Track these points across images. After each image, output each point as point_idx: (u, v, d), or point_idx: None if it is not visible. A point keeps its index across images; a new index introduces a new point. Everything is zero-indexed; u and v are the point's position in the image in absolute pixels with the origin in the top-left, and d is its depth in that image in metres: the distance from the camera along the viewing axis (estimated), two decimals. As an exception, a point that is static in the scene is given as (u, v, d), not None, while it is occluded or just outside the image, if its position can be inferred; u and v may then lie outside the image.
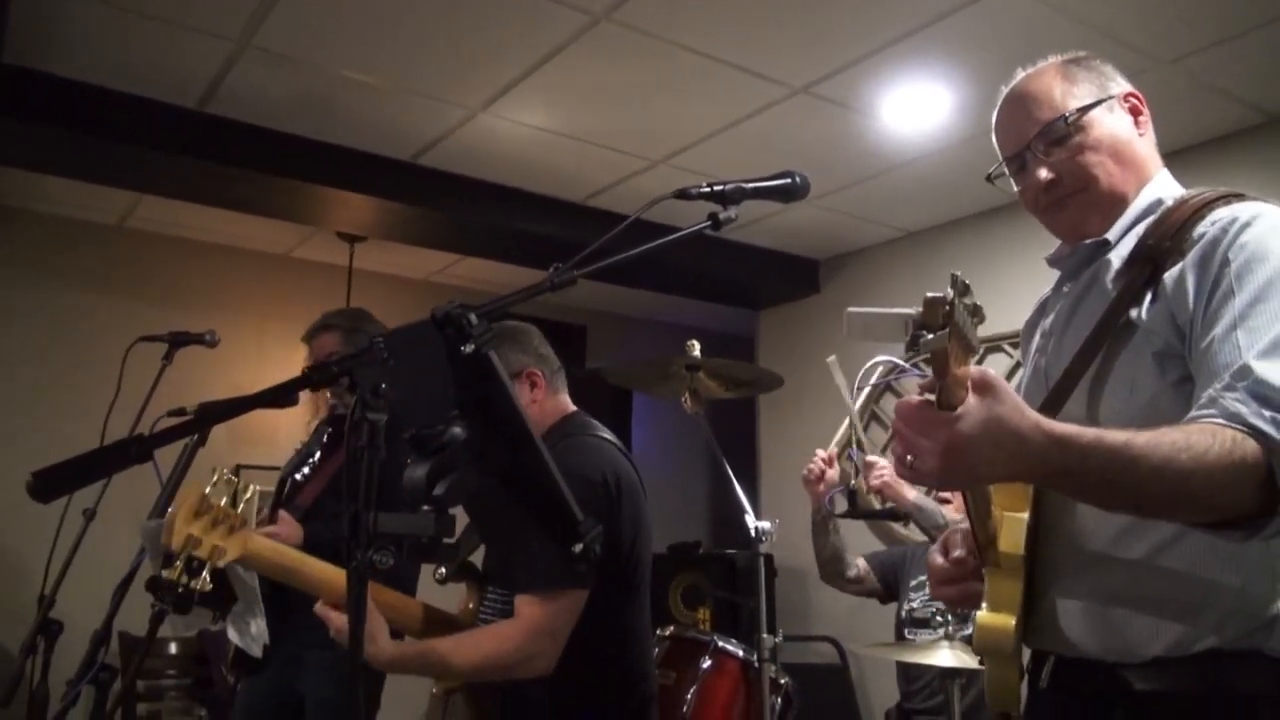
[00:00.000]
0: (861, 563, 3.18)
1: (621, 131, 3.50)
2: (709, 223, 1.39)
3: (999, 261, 4.13)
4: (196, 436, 2.30)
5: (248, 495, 1.53)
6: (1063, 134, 1.34)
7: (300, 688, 2.53)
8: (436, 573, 1.87)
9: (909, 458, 1.00)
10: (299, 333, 3.09)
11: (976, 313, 0.98)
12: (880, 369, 4.17)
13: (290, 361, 4.41)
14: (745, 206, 1.44)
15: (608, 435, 1.98)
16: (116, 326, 3.97)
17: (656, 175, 3.81)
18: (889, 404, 4.53)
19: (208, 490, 1.49)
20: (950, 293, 0.91)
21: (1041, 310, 1.46)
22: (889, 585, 3.14)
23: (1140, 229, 1.29)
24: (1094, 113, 1.35)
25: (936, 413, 0.97)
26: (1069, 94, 1.36)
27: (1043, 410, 1.16)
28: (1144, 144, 1.38)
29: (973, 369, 0.99)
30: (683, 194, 1.40)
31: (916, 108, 3.28)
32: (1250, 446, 1.02)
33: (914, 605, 2.98)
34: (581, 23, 2.79)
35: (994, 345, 4.08)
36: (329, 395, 2.99)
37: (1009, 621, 1.24)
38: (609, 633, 1.84)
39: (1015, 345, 3.99)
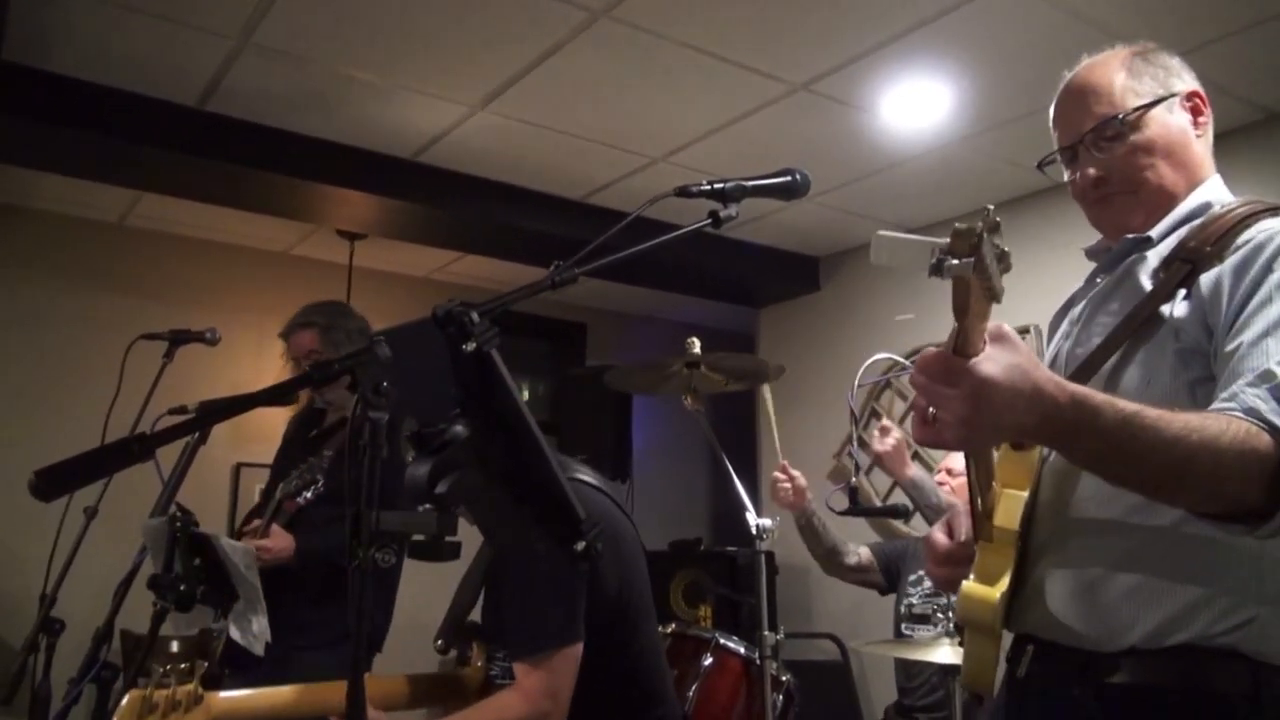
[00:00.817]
0: (864, 551, 3.17)
1: (621, 129, 3.50)
2: (709, 220, 1.39)
3: (999, 258, 4.12)
4: (197, 435, 2.30)
5: (200, 672, 1.51)
6: (1117, 131, 1.32)
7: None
8: (436, 643, 1.86)
9: (931, 411, 0.99)
10: (300, 330, 3.11)
11: (1004, 259, 0.96)
12: (881, 366, 4.18)
13: (291, 359, 4.41)
14: (745, 204, 1.44)
15: (582, 474, 1.95)
16: (117, 325, 3.97)
17: (657, 172, 3.81)
18: (888, 401, 4.53)
19: (149, 690, 1.45)
20: (980, 225, 0.90)
21: (1071, 301, 1.46)
22: (890, 576, 3.14)
23: (1184, 230, 1.29)
24: (1152, 112, 1.33)
25: (957, 359, 0.95)
26: (1129, 90, 1.34)
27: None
28: (1200, 145, 1.37)
29: (990, 323, 0.98)
30: (683, 192, 1.41)
31: (916, 105, 3.28)
32: (1264, 441, 1.02)
33: (913, 601, 2.98)
34: (581, 19, 2.79)
35: (994, 342, 4.07)
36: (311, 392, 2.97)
37: (993, 594, 1.25)
38: (620, 674, 1.84)
39: (1015, 342, 3.99)
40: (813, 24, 2.81)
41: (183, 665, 1.50)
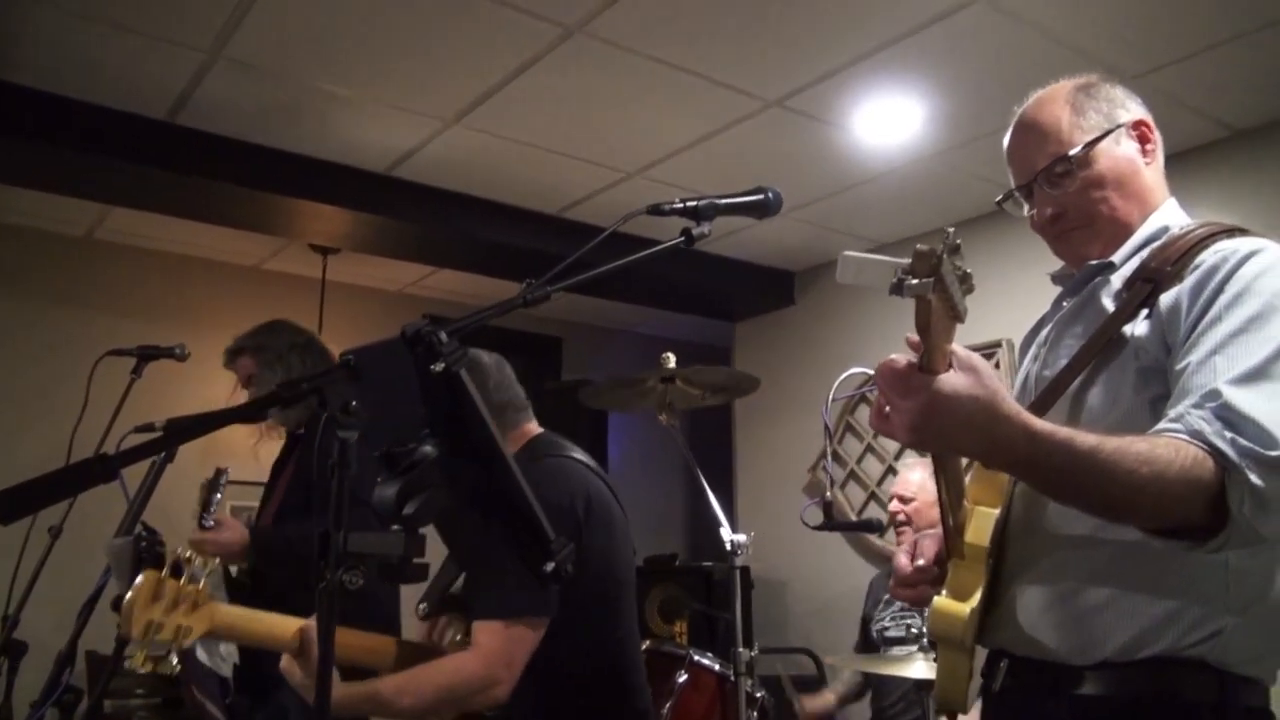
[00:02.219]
0: (839, 688, 3.27)
1: (596, 144, 3.50)
2: (682, 239, 1.40)
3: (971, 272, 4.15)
4: (165, 454, 2.27)
5: (209, 570, 1.50)
6: (1068, 169, 1.36)
7: (283, 698, 2.50)
8: (418, 608, 1.84)
9: (887, 408, 1.05)
10: (272, 346, 3.08)
11: (966, 280, 1.01)
12: (855, 380, 4.20)
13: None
14: (720, 219, 1.44)
15: (577, 454, 1.95)
16: (84, 340, 3.91)
17: (632, 187, 3.82)
18: (863, 415, 4.55)
19: (164, 573, 1.45)
20: (940, 246, 0.94)
21: (1039, 324, 1.50)
22: (864, 687, 3.19)
23: (1145, 253, 1.33)
24: (1100, 146, 1.37)
25: (919, 374, 1.01)
26: (1076, 126, 1.38)
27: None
28: (1151, 172, 1.41)
29: (960, 351, 1.05)
30: (656, 210, 1.41)
31: (889, 121, 3.31)
32: (1209, 466, 1.06)
33: (885, 624, 2.99)
34: (555, 35, 2.80)
35: (967, 356, 4.10)
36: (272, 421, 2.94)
37: (964, 609, 1.27)
38: (595, 654, 1.83)
39: (987, 356, 4.03)
40: (786, 41, 2.83)
41: (199, 559, 1.50)
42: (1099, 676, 1.18)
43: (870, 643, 3.15)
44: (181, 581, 1.46)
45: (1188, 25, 2.74)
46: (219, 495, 2.59)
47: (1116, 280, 1.32)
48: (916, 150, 3.51)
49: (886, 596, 3.03)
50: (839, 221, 4.24)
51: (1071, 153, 1.36)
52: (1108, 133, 1.37)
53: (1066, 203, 1.38)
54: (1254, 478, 1.05)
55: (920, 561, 1.37)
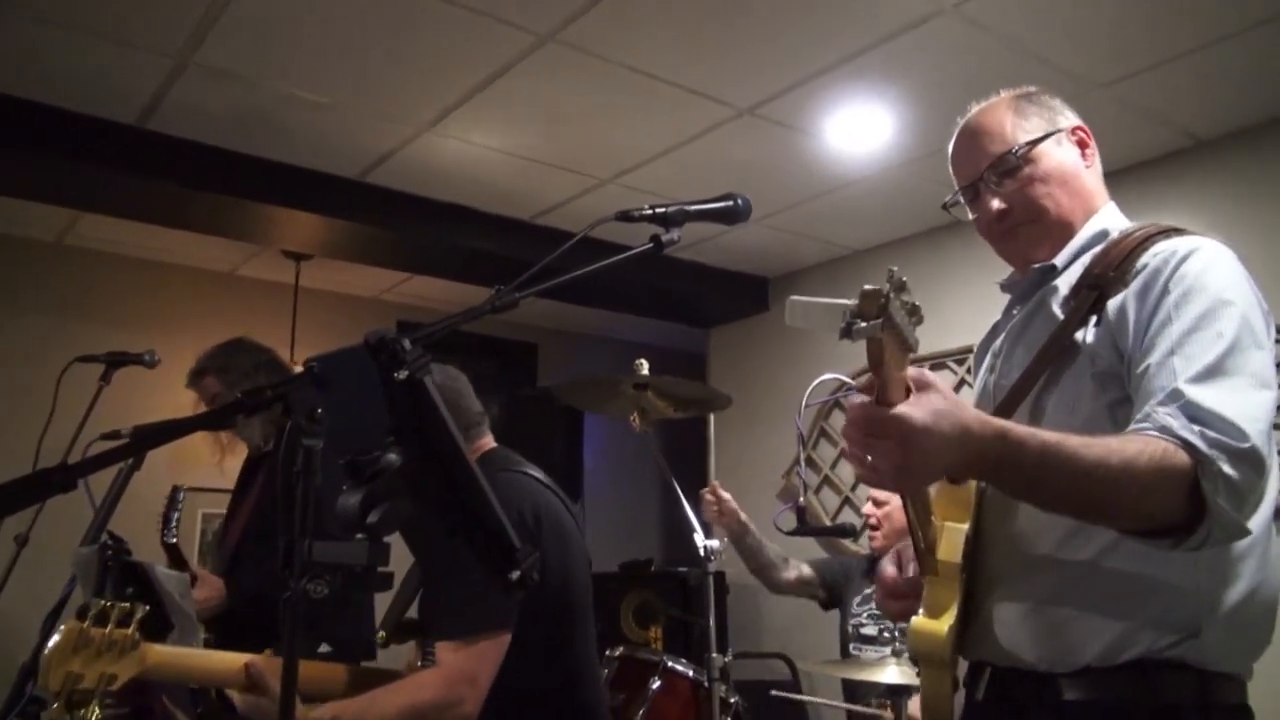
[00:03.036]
0: (805, 567, 3.21)
1: (569, 151, 3.51)
2: (651, 245, 1.40)
3: (942, 280, 4.20)
4: (131, 461, 2.26)
5: (139, 614, 1.45)
6: (1013, 166, 1.40)
7: None
8: (379, 635, 1.83)
9: (869, 458, 1.04)
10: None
11: (915, 312, 1.01)
12: (829, 386, 4.22)
13: (234, 381, 4.33)
14: (693, 226, 1.45)
15: (530, 470, 1.95)
16: (53, 346, 3.87)
17: (605, 194, 3.83)
18: (837, 421, 4.58)
19: (86, 624, 1.41)
20: (886, 286, 0.94)
21: (993, 333, 1.52)
22: (832, 592, 3.15)
23: (1087, 258, 1.35)
24: (1042, 146, 1.41)
25: (884, 413, 1.01)
26: (1019, 128, 1.42)
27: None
28: (1091, 175, 1.45)
29: (911, 370, 1.05)
30: (625, 216, 1.42)
31: (859, 129, 3.34)
32: (1180, 458, 1.08)
33: (861, 621, 3.00)
34: (528, 43, 2.80)
35: (939, 362, 4.14)
36: (232, 434, 2.93)
37: (941, 627, 1.28)
38: (552, 668, 1.82)
39: (960, 362, 4.06)
40: (757, 49, 2.85)
41: (123, 605, 1.45)
42: (1081, 683, 1.19)
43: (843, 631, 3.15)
44: (108, 629, 1.42)
45: (1153, 36, 2.79)
46: (177, 514, 2.59)
47: (1063, 286, 1.35)
48: (887, 158, 3.54)
49: (867, 591, 3.03)
50: (812, 228, 4.27)
51: (1015, 149, 1.40)
52: (1049, 134, 1.42)
53: (1012, 199, 1.41)
54: (1227, 468, 1.06)
55: (910, 573, 1.37)
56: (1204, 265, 1.22)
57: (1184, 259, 1.23)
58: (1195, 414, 1.10)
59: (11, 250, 4.25)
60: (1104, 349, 1.25)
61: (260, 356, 2.89)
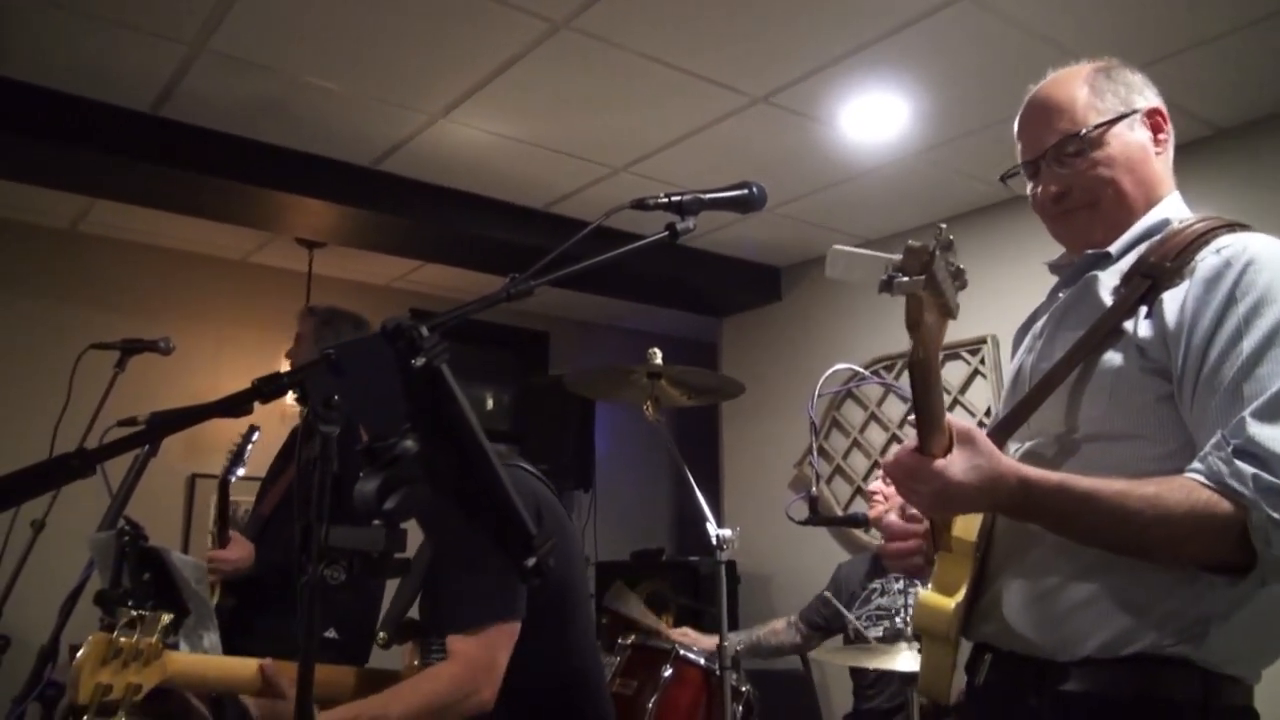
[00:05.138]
0: (778, 624, 3.29)
1: (582, 139, 3.50)
2: (666, 233, 1.40)
3: (957, 269, 4.17)
4: (148, 447, 2.27)
5: (162, 622, 1.47)
6: (1079, 148, 1.34)
7: None
8: (379, 638, 1.84)
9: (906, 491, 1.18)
10: (257, 339, 3.06)
11: (959, 276, 1.01)
12: (841, 376, 4.21)
13: (249, 369, 4.35)
14: (706, 215, 1.45)
15: (521, 462, 1.98)
16: (68, 334, 3.89)
17: (618, 183, 3.82)
18: (849, 411, 4.56)
19: (116, 634, 1.43)
20: (933, 243, 0.93)
21: (1034, 315, 1.48)
22: (827, 619, 3.17)
23: (1143, 247, 1.31)
24: (1114, 129, 1.34)
25: (926, 462, 1.12)
26: (1091, 106, 1.36)
27: (1018, 409, 1.32)
28: (1159, 163, 1.38)
29: (956, 422, 1.13)
30: (640, 204, 1.41)
31: (874, 118, 3.32)
32: (1224, 507, 1.08)
33: (864, 625, 2.99)
34: (542, 30, 2.79)
35: (951, 352, 4.12)
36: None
37: (949, 603, 1.29)
38: (553, 660, 1.84)
39: (973, 352, 4.05)
40: (773, 37, 2.83)
41: (148, 614, 1.48)
42: (1082, 673, 1.18)
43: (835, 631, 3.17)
44: (135, 638, 1.44)
45: (1171, 23, 2.76)
46: (248, 451, 2.79)
47: (1114, 274, 1.30)
48: (902, 147, 3.52)
49: (863, 594, 3.03)
50: (825, 217, 4.25)
51: (1084, 131, 1.33)
52: (1123, 116, 1.35)
53: (1073, 181, 1.35)
54: (1275, 513, 1.05)
55: (912, 511, 1.38)
56: (1275, 273, 1.16)
57: (1251, 263, 1.17)
58: (1255, 452, 1.08)
59: (25, 237, 4.27)
60: (1154, 343, 1.21)
61: (359, 334, 2.93)
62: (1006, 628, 1.26)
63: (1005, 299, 4.00)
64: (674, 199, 1.41)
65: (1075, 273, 1.38)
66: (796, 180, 3.83)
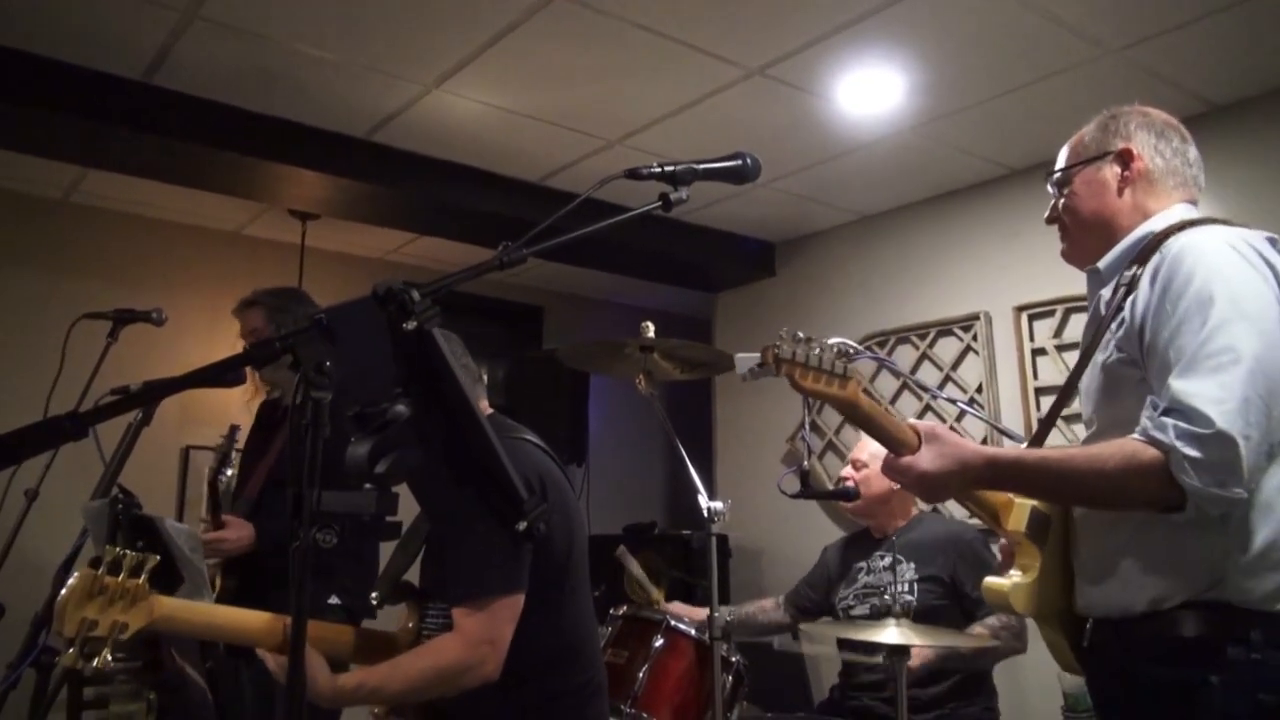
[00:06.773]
0: (768, 603, 3.30)
1: (577, 111, 3.48)
2: (659, 203, 1.40)
3: (948, 246, 4.18)
4: (141, 415, 2.27)
5: (150, 565, 1.47)
6: (1061, 181, 1.69)
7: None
8: (371, 599, 1.85)
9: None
10: (251, 312, 3.07)
11: (844, 354, 1.45)
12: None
13: (242, 341, 4.34)
14: (701, 189, 1.45)
15: (528, 435, 1.98)
16: (60, 304, 3.88)
17: (613, 155, 3.80)
18: (843, 386, 4.57)
19: (101, 572, 1.43)
20: (779, 343, 1.44)
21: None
22: (815, 602, 3.19)
23: (1128, 259, 1.58)
24: (1084, 170, 1.65)
25: (899, 462, 1.50)
26: (1077, 146, 1.69)
27: (1054, 405, 1.70)
28: (1130, 192, 1.62)
29: (922, 425, 1.50)
30: (633, 174, 1.41)
31: (871, 91, 3.30)
32: (1148, 453, 1.34)
33: (850, 602, 3.00)
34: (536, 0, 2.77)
35: (945, 329, 4.14)
36: (261, 379, 2.98)
37: (1024, 583, 1.59)
38: (553, 630, 1.85)
39: (965, 328, 4.06)
40: (768, 8, 2.81)
41: (135, 554, 1.48)
42: (1146, 625, 1.43)
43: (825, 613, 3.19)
44: (120, 577, 1.44)
45: (1165, 2, 2.74)
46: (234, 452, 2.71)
47: (1110, 285, 1.58)
48: (898, 121, 3.51)
49: (850, 572, 3.05)
50: (819, 192, 4.24)
51: (1060, 169, 1.68)
52: (1092, 160, 1.64)
53: (1060, 207, 1.69)
54: (1190, 450, 1.29)
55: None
56: (1194, 260, 1.41)
57: (1177, 256, 1.43)
58: (1173, 406, 1.33)
59: (18, 207, 4.25)
60: (1126, 339, 1.48)
61: (314, 309, 2.91)
62: (1088, 602, 1.55)
63: (995, 275, 4.02)
64: (667, 169, 1.41)
65: (1093, 287, 1.66)
66: (792, 154, 3.82)
